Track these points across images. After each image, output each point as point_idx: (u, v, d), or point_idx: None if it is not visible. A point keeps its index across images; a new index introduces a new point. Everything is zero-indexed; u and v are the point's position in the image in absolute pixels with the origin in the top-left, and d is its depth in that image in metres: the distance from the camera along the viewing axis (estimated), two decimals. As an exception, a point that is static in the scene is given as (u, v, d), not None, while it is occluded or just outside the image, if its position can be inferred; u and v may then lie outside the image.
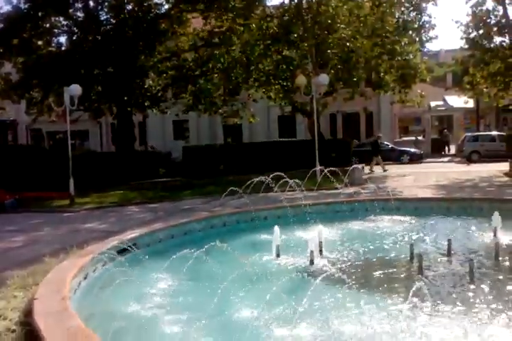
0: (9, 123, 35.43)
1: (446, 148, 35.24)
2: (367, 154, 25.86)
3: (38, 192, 17.86)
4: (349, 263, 7.10)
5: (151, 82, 25.91)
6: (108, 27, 24.36)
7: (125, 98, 23.33)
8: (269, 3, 27.54)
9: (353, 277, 6.37)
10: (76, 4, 24.44)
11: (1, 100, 27.78)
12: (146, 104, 25.03)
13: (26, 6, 23.08)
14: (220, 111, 26.80)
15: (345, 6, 23.61)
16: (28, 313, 4.39)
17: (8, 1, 23.78)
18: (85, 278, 5.78)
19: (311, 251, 6.96)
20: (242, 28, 24.06)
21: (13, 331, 4.14)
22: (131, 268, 5.87)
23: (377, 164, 24.26)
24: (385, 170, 23.54)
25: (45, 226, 12.64)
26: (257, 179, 10.53)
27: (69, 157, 16.93)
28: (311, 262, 6.89)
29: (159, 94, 25.60)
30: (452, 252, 7.30)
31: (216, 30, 24.63)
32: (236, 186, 10.40)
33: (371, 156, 24.68)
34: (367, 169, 23.25)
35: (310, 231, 8.44)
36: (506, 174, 18.81)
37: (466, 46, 26.75)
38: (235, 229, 9.04)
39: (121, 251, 6.61)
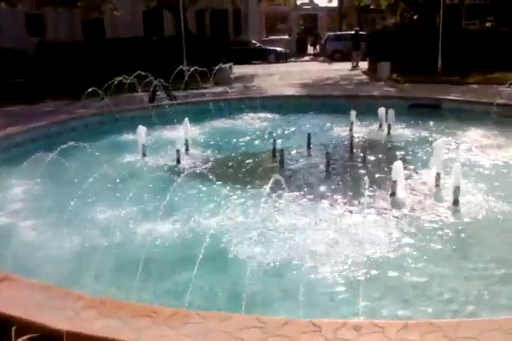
0: None
1: (317, 47, 35.16)
2: (237, 53, 25.49)
3: None
4: (215, 160, 7.29)
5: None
6: None
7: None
8: None
9: (218, 172, 6.60)
10: None
11: None
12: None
13: None
14: (79, 4, 24.39)
15: None
16: None
17: None
18: None
19: (177, 150, 7.00)
20: None
21: None
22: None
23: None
24: (355, 67, 21.94)
25: None
26: (120, 78, 10.08)
27: None
28: (178, 161, 6.96)
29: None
30: (311, 146, 7.77)
31: None
32: (99, 86, 9.87)
33: (352, 51, 22.57)
34: (349, 65, 21.91)
35: (177, 131, 8.42)
36: (364, 72, 19.79)
37: None
38: (99, 130, 8.73)
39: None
